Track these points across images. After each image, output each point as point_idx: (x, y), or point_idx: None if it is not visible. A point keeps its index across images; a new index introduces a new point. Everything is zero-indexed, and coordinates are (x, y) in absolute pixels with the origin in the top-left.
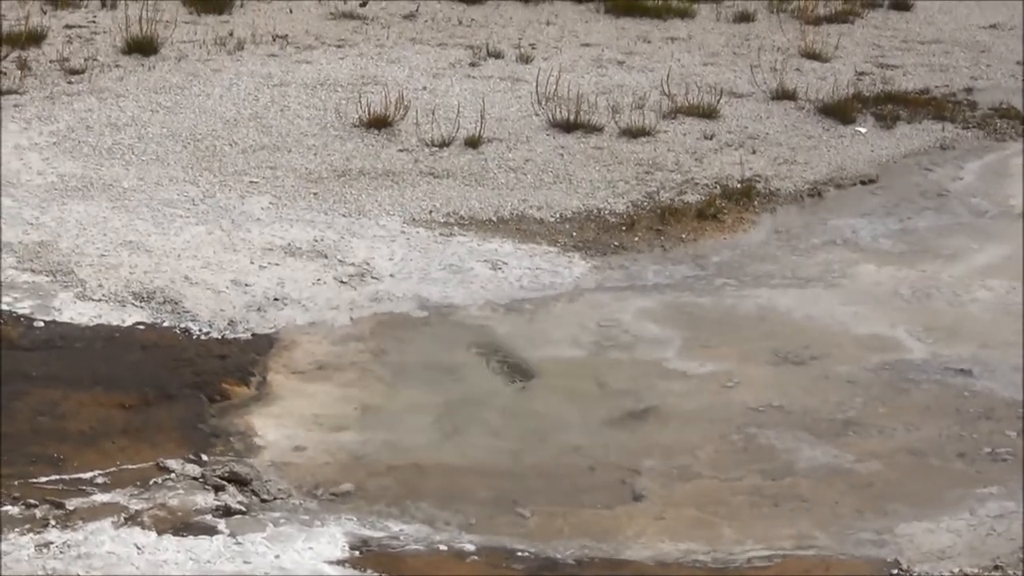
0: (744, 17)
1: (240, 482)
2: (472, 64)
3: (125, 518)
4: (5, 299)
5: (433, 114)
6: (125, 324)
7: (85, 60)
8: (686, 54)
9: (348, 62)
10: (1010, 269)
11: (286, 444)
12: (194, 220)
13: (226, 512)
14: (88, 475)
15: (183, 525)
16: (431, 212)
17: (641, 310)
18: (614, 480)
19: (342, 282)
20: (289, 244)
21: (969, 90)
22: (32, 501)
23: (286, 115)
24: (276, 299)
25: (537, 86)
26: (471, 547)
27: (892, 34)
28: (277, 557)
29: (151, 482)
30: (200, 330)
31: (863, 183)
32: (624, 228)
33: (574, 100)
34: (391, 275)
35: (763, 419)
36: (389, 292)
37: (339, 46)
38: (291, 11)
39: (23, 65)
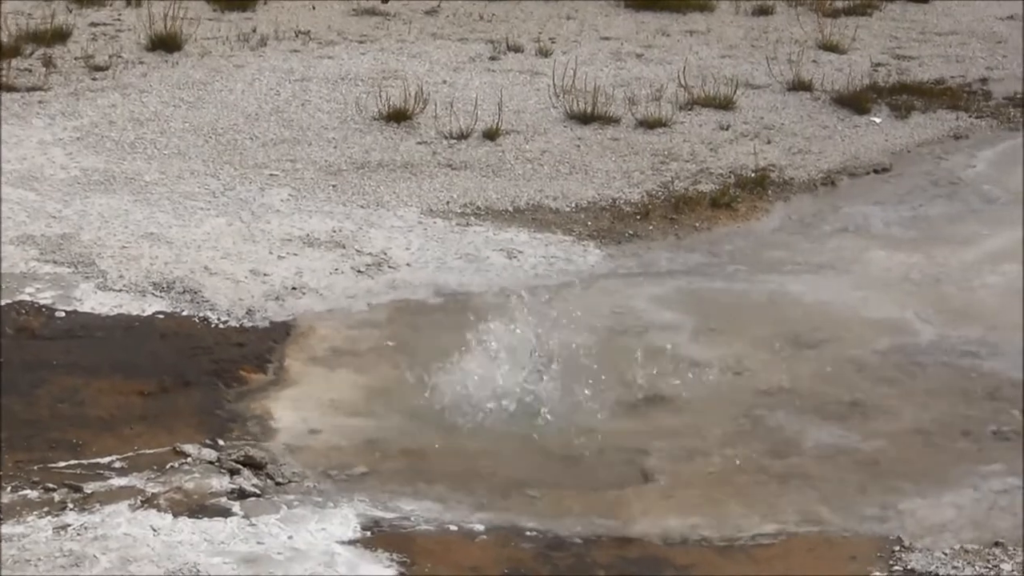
0: (763, 11)
1: (255, 466)
2: (492, 58)
3: (142, 501)
4: (27, 290)
5: (452, 107)
6: (145, 313)
7: (109, 57)
8: (704, 47)
9: (369, 57)
10: (1020, 254)
11: (301, 428)
12: (214, 212)
13: (241, 495)
14: (106, 460)
15: (198, 507)
16: (448, 203)
17: (654, 296)
18: (623, 461)
19: (360, 271)
20: (308, 235)
21: (984, 80)
22: (51, 485)
23: (307, 109)
24: (294, 288)
25: (555, 79)
26: (480, 527)
27: (909, 26)
28: (290, 538)
29: (168, 466)
30: (219, 319)
31: (876, 172)
32: (639, 217)
33: (592, 92)
34: (408, 264)
35: (771, 401)
36: (406, 280)
37: (361, 41)
38: (314, 8)
39: (48, 62)
